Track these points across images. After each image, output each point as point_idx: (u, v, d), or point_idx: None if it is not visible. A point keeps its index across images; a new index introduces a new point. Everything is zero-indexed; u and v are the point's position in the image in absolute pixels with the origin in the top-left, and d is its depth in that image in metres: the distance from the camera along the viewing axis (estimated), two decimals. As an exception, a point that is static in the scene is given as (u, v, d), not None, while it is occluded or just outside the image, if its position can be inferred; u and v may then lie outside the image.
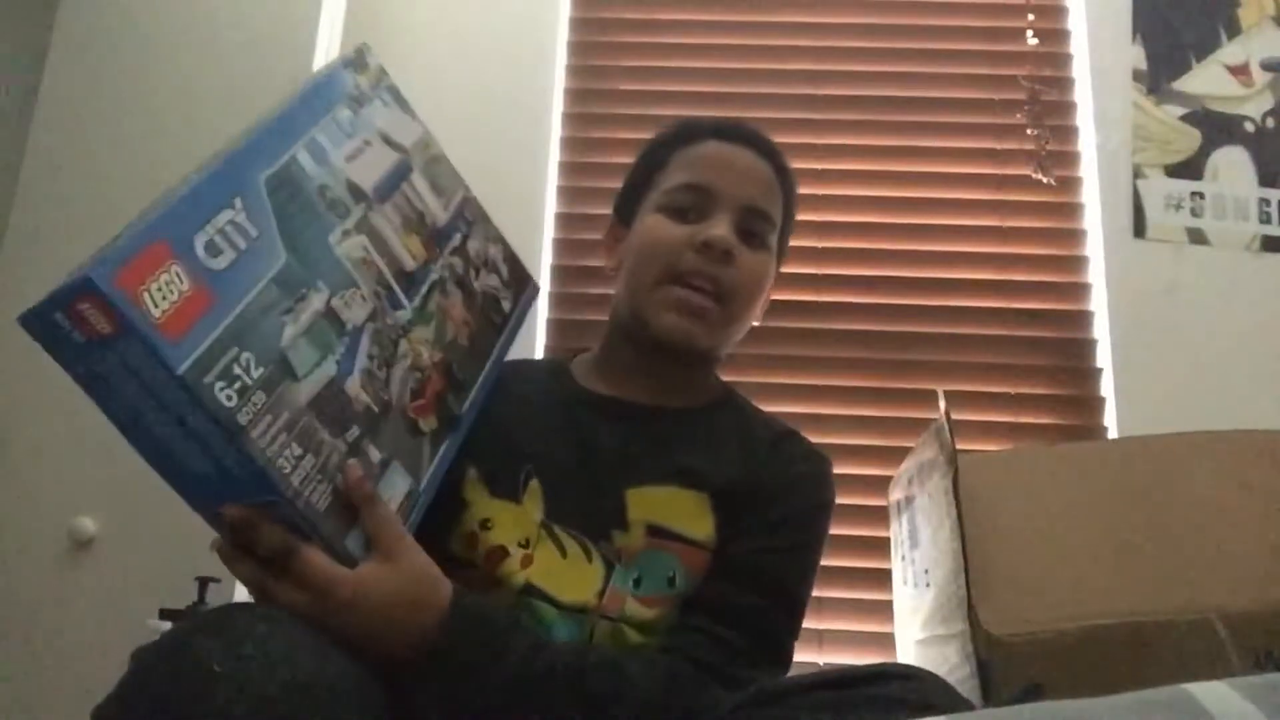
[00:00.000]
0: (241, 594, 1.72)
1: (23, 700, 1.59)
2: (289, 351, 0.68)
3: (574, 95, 2.08)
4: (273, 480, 0.65)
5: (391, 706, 0.68)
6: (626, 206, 1.02)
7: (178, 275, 0.62)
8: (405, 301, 0.81)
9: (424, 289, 0.84)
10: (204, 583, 1.49)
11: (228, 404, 0.63)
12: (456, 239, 0.90)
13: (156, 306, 0.60)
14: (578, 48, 2.11)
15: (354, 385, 0.74)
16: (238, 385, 0.64)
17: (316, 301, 0.72)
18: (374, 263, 0.79)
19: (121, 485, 1.67)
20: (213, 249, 0.65)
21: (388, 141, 0.86)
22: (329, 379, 0.71)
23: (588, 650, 0.80)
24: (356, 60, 0.86)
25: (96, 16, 1.93)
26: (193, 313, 0.62)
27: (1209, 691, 0.46)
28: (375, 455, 0.74)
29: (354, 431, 0.73)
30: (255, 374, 0.65)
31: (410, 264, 0.83)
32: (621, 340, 0.98)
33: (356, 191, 0.80)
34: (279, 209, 0.71)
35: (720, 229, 0.91)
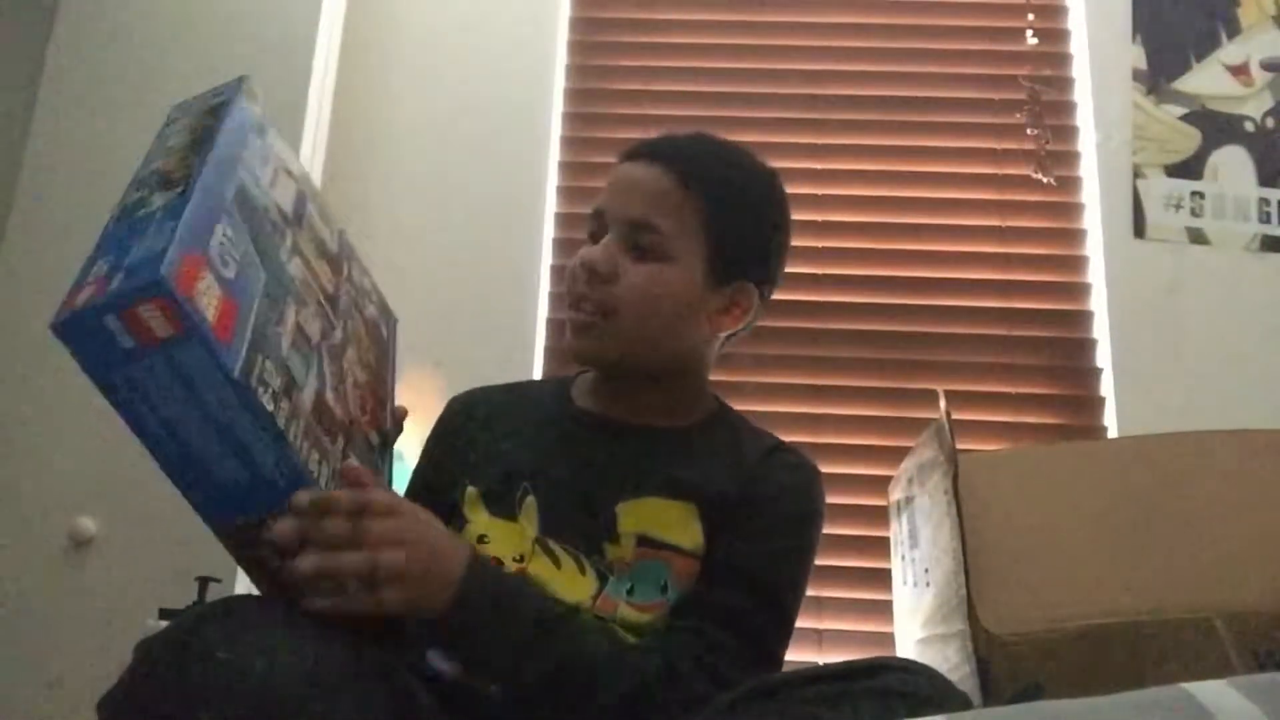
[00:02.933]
0: (242, 590, 1.72)
1: (23, 700, 1.59)
2: (289, 361, 0.69)
3: (574, 95, 2.08)
4: (308, 482, 0.64)
5: (391, 695, 0.68)
6: None
7: (212, 283, 0.61)
8: (335, 322, 0.81)
9: (341, 312, 0.84)
10: (204, 583, 1.49)
11: (269, 407, 0.62)
12: (346, 268, 0.91)
13: (207, 309, 0.59)
14: (578, 48, 2.11)
15: (330, 398, 0.74)
16: (271, 390, 0.64)
17: (291, 316, 0.72)
18: (311, 284, 0.79)
19: (121, 485, 1.67)
20: (223, 260, 0.65)
21: (287, 171, 0.85)
22: (316, 390, 0.72)
23: (596, 623, 0.83)
24: (247, 90, 0.85)
25: (96, 16, 1.93)
26: (228, 318, 0.62)
27: (1209, 691, 0.46)
28: (355, 464, 0.75)
29: (340, 440, 0.73)
30: (277, 381, 0.65)
31: (330, 288, 0.83)
32: None
33: (284, 215, 0.79)
34: (248, 227, 0.70)
35: (592, 250, 0.93)
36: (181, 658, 0.59)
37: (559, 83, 2.07)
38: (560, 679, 0.75)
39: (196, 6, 1.94)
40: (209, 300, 0.60)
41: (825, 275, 1.92)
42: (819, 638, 1.72)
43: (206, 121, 0.76)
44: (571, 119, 2.07)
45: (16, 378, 1.72)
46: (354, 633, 0.69)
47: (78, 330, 0.58)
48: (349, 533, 0.67)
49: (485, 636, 0.75)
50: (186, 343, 0.58)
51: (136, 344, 0.58)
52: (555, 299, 1.95)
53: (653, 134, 1.05)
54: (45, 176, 1.84)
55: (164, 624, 1.53)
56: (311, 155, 1.88)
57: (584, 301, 0.93)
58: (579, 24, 2.12)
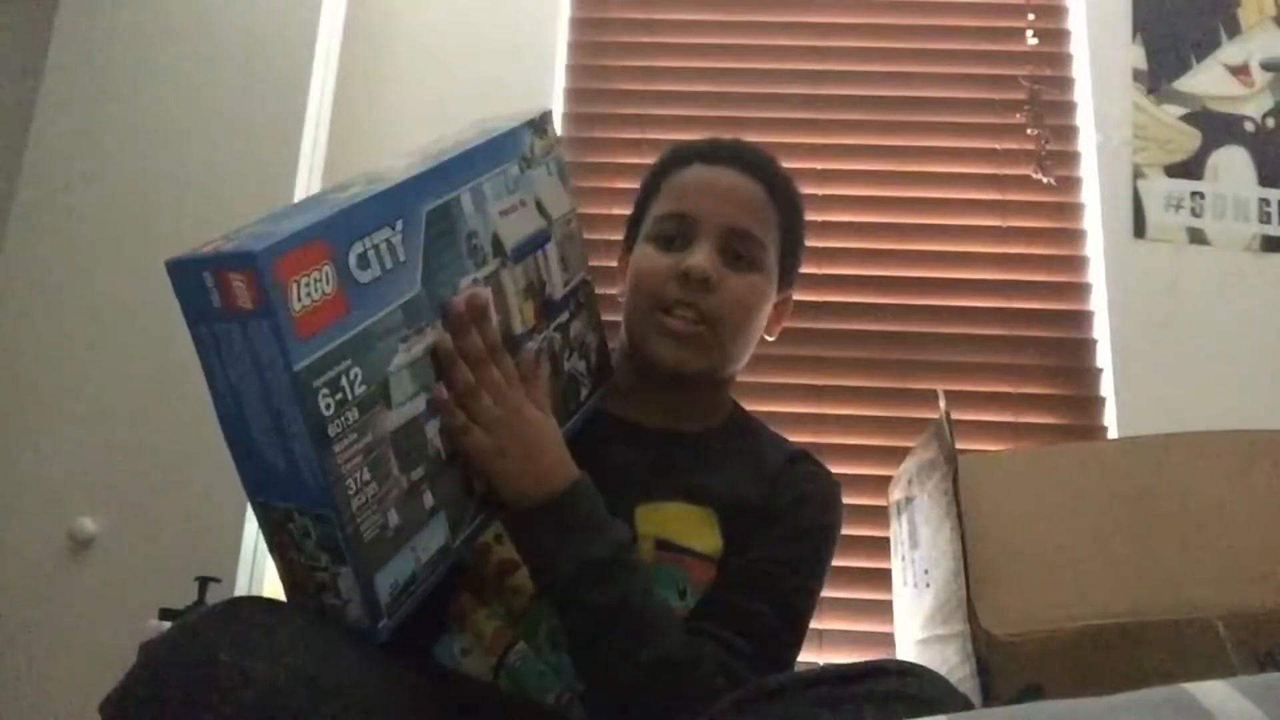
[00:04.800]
0: (242, 590, 1.71)
1: (23, 700, 1.59)
2: (392, 377, 0.69)
3: (574, 95, 2.08)
4: (335, 499, 0.65)
5: (396, 697, 0.68)
6: (630, 235, 1.04)
7: (326, 276, 0.64)
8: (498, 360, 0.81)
9: (519, 353, 0.83)
10: (204, 583, 1.49)
11: (325, 412, 0.64)
12: (564, 316, 0.91)
13: (299, 300, 0.62)
14: (578, 48, 2.11)
15: (433, 428, 0.74)
16: (339, 396, 0.65)
17: (431, 337, 0.73)
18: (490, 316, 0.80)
19: (121, 485, 1.67)
20: (363, 261, 0.67)
21: (539, 208, 0.87)
22: (415, 415, 0.72)
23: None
24: (540, 124, 0.88)
25: (96, 16, 1.93)
26: (326, 316, 0.64)
27: (1209, 691, 0.46)
28: (428, 501, 0.74)
29: (419, 471, 0.72)
30: (357, 390, 0.66)
31: (519, 328, 0.84)
32: (629, 364, 1.00)
33: (498, 246, 0.81)
34: (429, 242, 0.72)
35: (697, 257, 0.92)
36: (184, 660, 0.59)
37: (559, 83, 2.07)
38: (616, 615, 0.77)
39: (196, 6, 1.94)
40: (310, 291, 0.62)
41: (825, 275, 1.92)
42: (819, 638, 1.72)
43: (469, 137, 0.80)
44: (571, 119, 2.06)
45: (17, 378, 1.72)
46: (358, 634, 0.69)
47: (180, 274, 0.62)
48: (463, 386, 0.74)
49: (565, 541, 0.77)
50: (261, 320, 0.61)
51: (223, 305, 0.61)
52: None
53: (652, 134, 1.05)
54: (45, 176, 1.84)
55: (164, 624, 1.53)
56: (311, 155, 1.88)
57: (681, 308, 0.92)
58: (579, 24, 2.12)
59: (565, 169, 0.92)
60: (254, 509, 0.68)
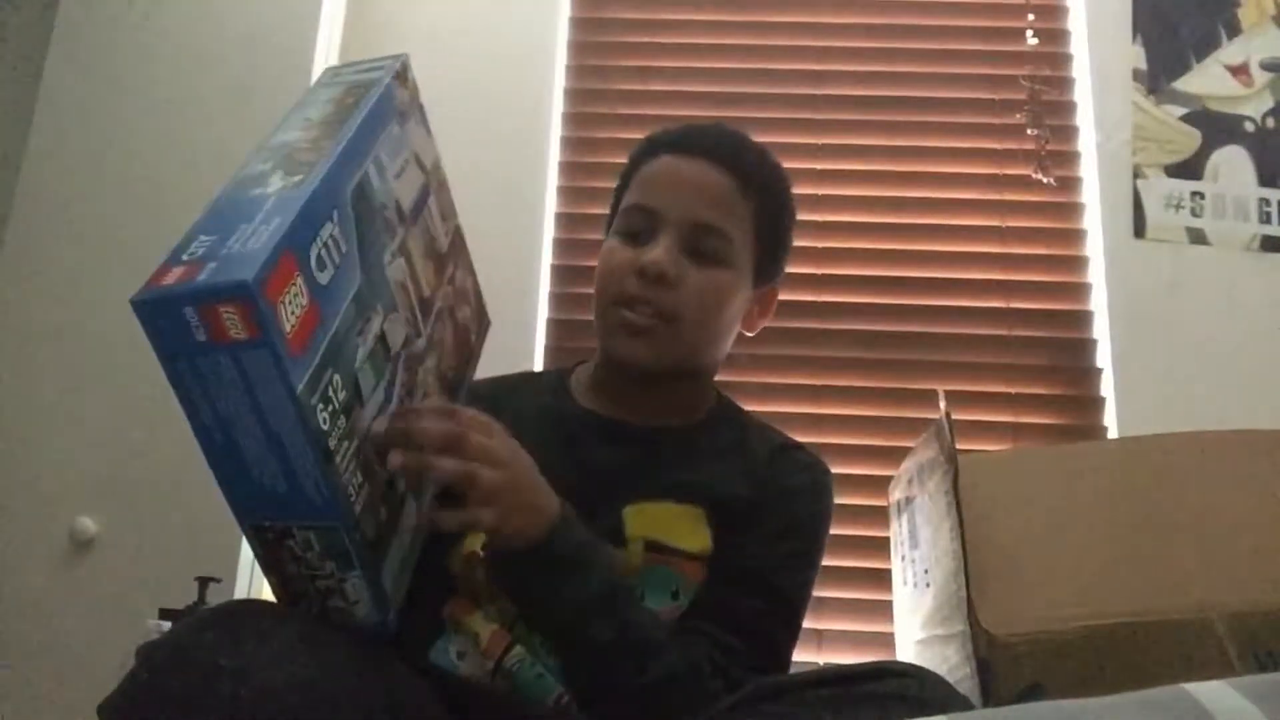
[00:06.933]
0: (242, 591, 1.71)
1: (23, 700, 1.59)
2: (359, 374, 0.67)
3: (574, 95, 2.08)
4: (341, 509, 0.63)
5: (395, 701, 0.68)
6: (608, 227, 1.02)
7: (301, 289, 0.60)
8: (422, 329, 0.79)
9: (432, 318, 0.81)
10: (204, 583, 1.49)
11: (323, 427, 0.61)
12: (451, 267, 0.88)
13: (288, 321, 0.58)
14: (578, 48, 2.11)
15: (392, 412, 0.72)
16: (330, 408, 0.62)
17: (376, 324, 0.70)
18: (408, 287, 0.77)
19: (121, 485, 1.67)
20: (320, 263, 0.63)
21: (418, 162, 0.83)
22: (380, 406, 0.70)
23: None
24: (402, 73, 0.83)
25: (96, 16, 1.93)
26: (308, 329, 0.60)
27: (1209, 691, 0.46)
28: (401, 485, 0.73)
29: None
30: (341, 397, 0.64)
31: (427, 291, 0.81)
32: (602, 359, 0.99)
33: (400, 212, 0.77)
34: (358, 225, 0.68)
35: (655, 252, 0.90)
36: (183, 664, 0.59)
37: (559, 83, 2.07)
38: (619, 645, 0.76)
39: (197, 7, 1.95)
40: (293, 308, 0.59)
41: (825, 275, 1.92)
42: (819, 638, 1.72)
43: (350, 99, 0.74)
44: (571, 119, 2.06)
45: (16, 378, 1.72)
46: (356, 635, 0.69)
47: (155, 312, 0.57)
48: (446, 434, 0.69)
49: (562, 582, 0.75)
50: (257, 350, 0.57)
51: (209, 339, 0.57)
52: (555, 299, 1.95)
53: (654, 131, 1.03)
54: (45, 176, 1.84)
55: (164, 624, 1.53)
56: (311, 155, 1.88)
57: (639, 304, 0.90)
58: (579, 24, 2.12)
59: (425, 113, 0.87)
60: (246, 532, 0.66)
